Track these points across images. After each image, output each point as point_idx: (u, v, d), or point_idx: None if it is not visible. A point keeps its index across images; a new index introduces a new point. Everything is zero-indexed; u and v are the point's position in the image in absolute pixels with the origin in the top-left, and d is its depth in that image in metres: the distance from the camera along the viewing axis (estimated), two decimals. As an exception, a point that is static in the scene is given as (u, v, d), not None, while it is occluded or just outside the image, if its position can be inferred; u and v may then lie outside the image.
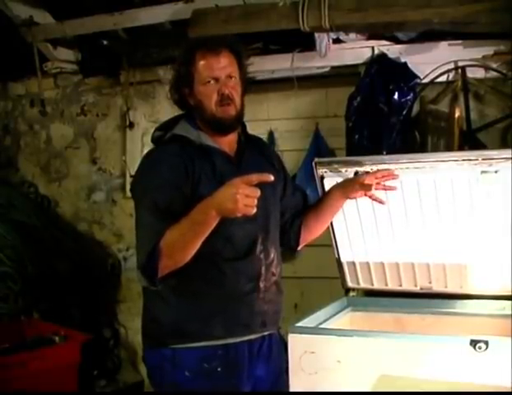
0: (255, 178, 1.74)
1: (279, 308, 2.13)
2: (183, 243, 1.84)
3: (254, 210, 1.73)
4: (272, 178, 1.76)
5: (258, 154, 2.14)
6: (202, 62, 1.97)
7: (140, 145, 3.91)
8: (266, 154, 2.19)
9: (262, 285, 2.02)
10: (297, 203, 2.27)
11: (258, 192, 1.72)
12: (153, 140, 2.09)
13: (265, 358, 2.08)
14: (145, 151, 2.13)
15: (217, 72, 1.96)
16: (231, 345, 1.98)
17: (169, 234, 1.82)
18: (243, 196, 1.70)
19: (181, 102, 2.06)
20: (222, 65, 1.96)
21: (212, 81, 1.96)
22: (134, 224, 1.99)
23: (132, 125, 3.97)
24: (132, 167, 3.81)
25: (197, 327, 1.95)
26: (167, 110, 3.66)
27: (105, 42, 3.85)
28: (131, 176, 3.84)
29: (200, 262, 1.88)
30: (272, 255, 2.07)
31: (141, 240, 1.90)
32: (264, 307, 2.04)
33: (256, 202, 1.73)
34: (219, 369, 1.97)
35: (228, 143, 2.04)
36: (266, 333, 2.08)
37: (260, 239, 2.02)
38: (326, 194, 2.32)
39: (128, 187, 3.93)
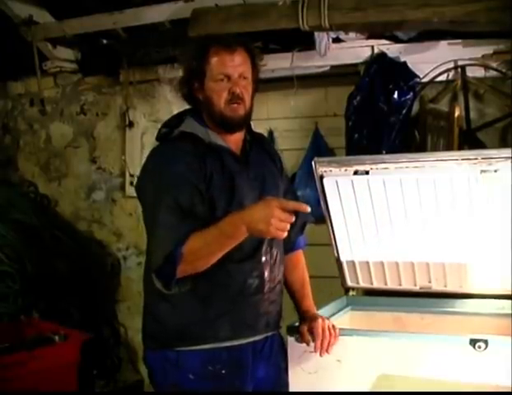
0: (292, 206, 1.72)
1: (281, 308, 2.12)
2: (208, 253, 1.82)
3: (285, 235, 1.73)
4: (308, 209, 1.74)
5: (262, 152, 2.12)
6: (215, 58, 1.94)
7: (140, 144, 3.91)
8: (269, 151, 2.17)
9: (267, 285, 2.02)
10: None
11: (292, 219, 1.70)
12: (159, 137, 2.04)
13: (266, 358, 2.07)
14: (145, 151, 2.11)
15: (230, 69, 1.93)
16: (236, 346, 1.97)
17: (193, 241, 1.80)
18: (277, 220, 1.68)
19: (189, 96, 2.03)
20: (236, 63, 1.93)
21: (224, 79, 1.93)
22: (145, 222, 1.96)
23: (131, 124, 3.96)
24: (132, 166, 3.83)
25: (202, 329, 1.94)
26: (167, 109, 3.68)
27: (105, 41, 3.85)
28: (130, 175, 3.84)
29: (187, 278, 1.87)
30: (276, 256, 2.07)
31: (159, 241, 1.85)
32: (269, 308, 2.03)
33: (288, 227, 1.72)
34: (223, 372, 1.95)
35: (235, 141, 2.02)
36: (269, 334, 2.07)
37: (266, 241, 2.01)
38: (300, 306, 2.20)
39: (127, 186, 3.93)
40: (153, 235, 1.89)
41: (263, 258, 2.01)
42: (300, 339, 2.09)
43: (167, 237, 1.83)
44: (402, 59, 3.25)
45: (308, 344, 2.07)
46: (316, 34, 3.24)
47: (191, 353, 1.95)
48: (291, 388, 2.14)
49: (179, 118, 2.04)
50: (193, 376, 1.94)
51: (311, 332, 2.05)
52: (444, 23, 2.90)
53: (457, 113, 3.11)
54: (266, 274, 2.02)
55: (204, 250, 1.82)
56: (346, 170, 2.42)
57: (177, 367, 1.96)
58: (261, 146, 2.14)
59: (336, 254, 2.62)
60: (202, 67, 1.96)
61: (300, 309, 2.18)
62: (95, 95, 4.14)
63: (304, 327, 2.08)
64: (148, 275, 1.93)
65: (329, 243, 2.62)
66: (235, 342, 1.97)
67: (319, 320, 2.06)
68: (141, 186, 2.03)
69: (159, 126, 2.09)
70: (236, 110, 1.95)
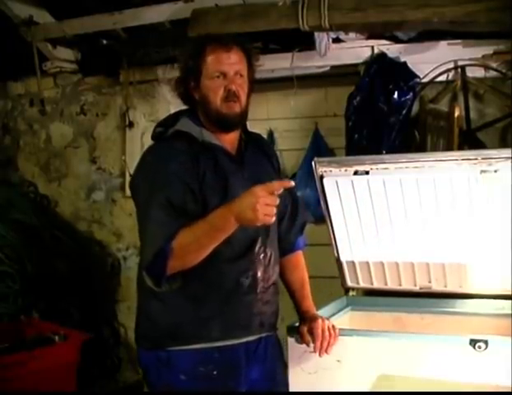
0: (278, 186, 1.74)
1: (276, 309, 2.11)
2: (197, 247, 1.82)
3: (273, 219, 1.73)
4: (292, 183, 1.77)
5: (258, 152, 2.11)
6: (211, 56, 1.94)
7: (139, 144, 3.91)
8: (265, 151, 2.16)
9: (260, 285, 2.00)
10: (284, 207, 2.18)
11: (277, 201, 1.71)
12: (154, 136, 2.05)
13: (260, 360, 2.05)
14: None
15: (226, 67, 1.93)
16: (228, 347, 1.96)
17: (182, 236, 1.80)
18: (263, 205, 1.69)
19: (185, 96, 2.03)
20: (232, 61, 1.94)
21: (220, 76, 1.93)
22: (138, 220, 1.96)
23: (131, 124, 3.97)
24: (132, 166, 3.78)
25: (194, 329, 1.93)
26: (166, 110, 3.66)
27: (105, 41, 3.86)
28: (130, 175, 3.82)
29: (179, 275, 1.86)
30: (270, 256, 2.05)
31: (150, 238, 1.86)
32: (262, 308, 2.02)
33: (275, 210, 1.72)
34: (215, 373, 1.94)
35: (230, 141, 2.02)
36: (263, 335, 2.05)
37: (260, 240, 2.00)
38: (300, 306, 2.19)
39: (127, 186, 3.93)
40: (144, 232, 1.89)
41: (256, 258, 2.00)
42: (300, 340, 2.09)
43: (158, 233, 1.83)
44: (402, 59, 3.25)
45: (308, 345, 2.07)
46: (316, 34, 3.25)
47: (182, 353, 1.94)
48: (291, 388, 2.14)
49: (174, 118, 2.04)
50: (184, 376, 1.93)
51: (311, 332, 2.05)
52: (444, 23, 2.90)
53: (457, 114, 3.11)
54: (259, 274, 2.00)
55: (194, 244, 1.82)
56: (346, 170, 2.42)
57: (168, 367, 1.95)
58: (257, 146, 2.13)
59: (336, 254, 2.62)
60: (198, 65, 1.96)
61: (300, 310, 2.17)
62: (95, 95, 4.14)
63: (304, 327, 2.08)
64: (141, 273, 1.93)
65: (329, 243, 2.62)
66: (227, 342, 1.96)
67: (319, 321, 2.06)
68: (135, 184, 2.03)
69: (158, 126, 2.09)
70: (232, 108, 1.95)
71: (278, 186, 1.74)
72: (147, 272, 1.86)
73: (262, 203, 1.69)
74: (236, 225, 1.77)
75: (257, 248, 2.00)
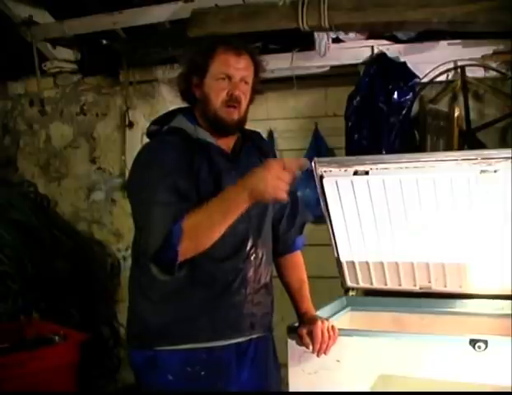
0: (293, 162, 1.75)
1: (268, 310, 2.09)
2: (210, 225, 1.79)
3: (285, 196, 1.73)
4: (307, 164, 1.78)
5: (254, 150, 2.09)
6: (221, 57, 1.94)
7: (139, 144, 3.90)
8: (262, 150, 2.14)
9: (250, 286, 1.99)
10: (283, 206, 2.18)
11: (289, 178, 1.71)
12: (149, 134, 2.05)
13: (251, 361, 2.03)
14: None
15: (234, 70, 1.93)
16: (217, 347, 1.94)
17: (194, 215, 1.77)
18: (274, 178, 1.70)
19: (186, 92, 2.03)
20: (240, 66, 1.94)
21: (226, 79, 1.93)
22: (137, 212, 1.91)
23: (131, 124, 3.97)
24: (132, 166, 3.83)
25: (182, 329, 1.91)
26: (166, 109, 3.66)
27: (105, 41, 3.85)
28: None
29: (187, 261, 1.84)
30: (262, 256, 2.03)
31: (157, 221, 1.79)
32: (253, 309, 2.00)
33: (288, 187, 1.72)
34: (202, 373, 1.92)
35: (226, 141, 2.01)
36: (254, 336, 2.03)
37: (251, 240, 1.99)
38: (299, 307, 2.18)
39: (127, 186, 3.94)
40: (149, 217, 1.82)
41: (247, 258, 1.99)
42: (300, 342, 2.09)
43: (166, 215, 1.78)
44: (402, 59, 3.25)
45: (308, 347, 2.06)
46: (316, 34, 3.25)
47: (169, 353, 1.93)
48: (291, 389, 2.14)
49: (169, 116, 2.04)
50: (172, 377, 1.92)
51: (310, 334, 2.04)
52: (443, 23, 2.90)
53: (457, 114, 3.11)
54: (249, 274, 1.99)
55: (206, 222, 1.78)
56: (346, 170, 2.42)
57: (156, 367, 1.94)
58: (254, 145, 2.11)
59: (336, 254, 2.62)
60: (206, 63, 1.95)
61: (299, 311, 2.17)
62: (95, 95, 4.14)
63: (304, 329, 2.07)
64: (134, 271, 1.93)
65: (329, 244, 2.62)
66: (216, 343, 1.94)
67: (319, 322, 2.05)
68: (133, 180, 1.99)
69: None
70: (231, 114, 1.94)
71: (293, 162, 1.74)
72: (155, 259, 1.80)
73: (274, 176, 1.70)
74: (248, 200, 1.75)
75: (247, 249, 1.99)
